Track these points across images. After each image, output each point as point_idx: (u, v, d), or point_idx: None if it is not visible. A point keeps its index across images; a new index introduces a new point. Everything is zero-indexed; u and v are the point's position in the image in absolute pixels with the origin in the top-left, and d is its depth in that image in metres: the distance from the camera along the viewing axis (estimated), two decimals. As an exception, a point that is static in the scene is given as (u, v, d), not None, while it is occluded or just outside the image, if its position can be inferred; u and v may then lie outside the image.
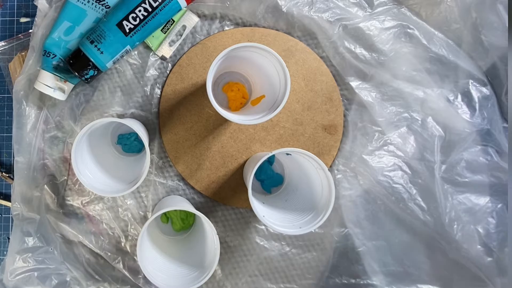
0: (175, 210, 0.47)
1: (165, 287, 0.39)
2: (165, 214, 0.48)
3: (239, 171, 0.47)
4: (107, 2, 0.43)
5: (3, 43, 0.49)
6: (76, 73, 0.43)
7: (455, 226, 0.44)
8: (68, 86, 0.45)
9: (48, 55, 0.43)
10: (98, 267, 0.47)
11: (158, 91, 0.47)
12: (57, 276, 0.46)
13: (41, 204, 0.46)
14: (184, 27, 0.47)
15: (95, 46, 0.42)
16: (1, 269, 0.46)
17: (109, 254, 0.46)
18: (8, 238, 0.50)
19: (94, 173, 0.41)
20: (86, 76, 0.43)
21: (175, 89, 0.47)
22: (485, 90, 0.45)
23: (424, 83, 0.45)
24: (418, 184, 0.45)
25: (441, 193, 0.44)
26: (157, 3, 0.42)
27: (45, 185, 0.46)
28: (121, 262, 0.46)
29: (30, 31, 0.46)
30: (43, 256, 0.46)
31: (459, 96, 0.45)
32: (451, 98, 0.45)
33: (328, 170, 0.40)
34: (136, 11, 0.42)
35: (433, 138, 0.45)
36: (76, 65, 0.42)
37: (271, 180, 0.47)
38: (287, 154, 0.44)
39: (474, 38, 0.45)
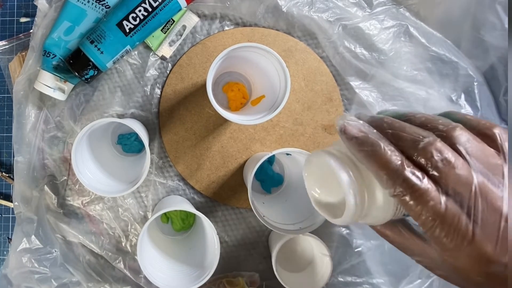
0: (175, 210, 0.47)
1: (165, 287, 0.39)
2: (165, 214, 0.48)
3: (239, 171, 0.47)
4: (107, 2, 0.43)
5: (3, 43, 0.49)
6: (76, 73, 0.43)
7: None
8: (68, 86, 0.45)
9: (48, 55, 0.43)
10: (98, 267, 0.46)
11: (158, 91, 0.47)
12: (56, 280, 0.46)
13: (41, 204, 0.46)
14: (184, 27, 0.47)
15: (95, 46, 0.42)
16: (4, 266, 0.47)
17: (109, 254, 0.46)
18: (8, 238, 0.50)
19: (94, 173, 0.41)
20: (86, 76, 0.43)
21: (175, 89, 0.47)
22: (484, 91, 0.45)
23: (425, 83, 0.45)
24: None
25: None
26: (157, 3, 0.42)
27: (45, 185, 0.46)
28: (121, 262, 0.46)
29: (30, 31, 0.46)
30: (43, 257, 0.46)
31: (462, 96, 0.45)
32: (454, 98, 0.45)
33: (328, 169, 0.40)
34: (136, 11, 0.42)
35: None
36: (76, 65, 0.42)
37: (271, 180, 0.47)
38: (287, 154, 0.44)
39: (473, 39, 0.45)
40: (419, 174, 0.21)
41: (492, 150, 0.21)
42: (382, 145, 0.22)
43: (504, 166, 0.21)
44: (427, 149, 0.21)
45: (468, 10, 0.44)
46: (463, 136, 0.21)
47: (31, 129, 0.46)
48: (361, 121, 0.24)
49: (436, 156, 0.21)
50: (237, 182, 0.47)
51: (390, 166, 0.21)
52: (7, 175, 0.50)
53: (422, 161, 0.21)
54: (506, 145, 0.21)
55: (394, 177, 0.21)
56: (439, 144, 0.21)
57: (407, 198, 0.21)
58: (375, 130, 0.23)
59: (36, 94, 0.46)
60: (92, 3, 0.43)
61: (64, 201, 0.47)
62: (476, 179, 0.20)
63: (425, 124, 0.23)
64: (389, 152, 0.22)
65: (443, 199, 0.20)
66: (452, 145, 0.21)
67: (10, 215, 0.50)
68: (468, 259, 0.20)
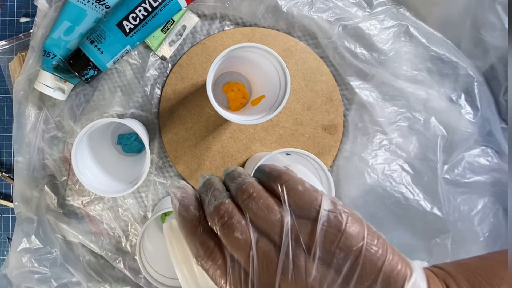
0: (175, 210, 0.47)
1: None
2: (165, 214, 0.48)
3: (239, 171, 0.47)
4: (107, 2, 0.43)
5: (3, 43, 0.49)
6: (76, 73, 0.43)
7: (457, 226, 0.44)
8: (68, 86, 0.45)
9: (48, 55, 0.43)
10: (98, 267, 0.46)
11: (158, 91, 0.47)
12: (56, 280, 0.46)
13: (41, 204, 0.46)
14: (184, 27, 0.47)
15: (95, 46, 0.42)
16: (4, 266, 0.47)
17: (109, 254, 0.46)
18: (8, 238, 0.50)
19: (94, 173, 0.41)
20: (86, 76, 0.43)
21: (175, 89, 0.47)
22: (484, 91, 0.45)
23: (426, 83, 0.45)
24: (421, 184, 0.44)
25: (444, 193, 0.44)
26: (157, 3, 0.42)
27: (45, 185, 0.46)
28: (121, 262, 0.46)
29: (30, 31, 0.46)
30: (43, 257, 0.46)
31: (462, 96, 0.45)
32: (454, 98, 0.45)
33: (328, 170, 0.40)
34: (136, 11, 0.42)
35: (436, 138, 0.44)
36: (76, 65, 0.42)
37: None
38: (287, 154, 0.44)
39: (473, 39, 0.45)
40: (210, 241, 0.21)
41: (275, 203, 0.21)
42: (190, 208, 0.22)
43: (285, 217, 0.20)
44: (215, 211, 0.21)
45: (468, 10, 0.44)
46: (248, 193, 0.22)
47: (31, 129, 0.46)
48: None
49: (221, 220, 0.21)
50: (237, 182, 0.47)
51: (195, 237, 0.21)
52: (7, 175, 0.50)
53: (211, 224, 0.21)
54: (285, 197, 0.21)
55: (196, 246, 0.21)
56: (226, 206, 0.21)
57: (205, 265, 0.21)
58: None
59: (36, 94, 0.46)
60: (92, 3, 0.43)
61: (64, 201, 0.47)
62: (254, 244, 0.20)
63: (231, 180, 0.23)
64: (194, 219, 0.22)
65: (228, 266, 0.21)
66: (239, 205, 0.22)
67: (10, 215, 0.50)
68: None
